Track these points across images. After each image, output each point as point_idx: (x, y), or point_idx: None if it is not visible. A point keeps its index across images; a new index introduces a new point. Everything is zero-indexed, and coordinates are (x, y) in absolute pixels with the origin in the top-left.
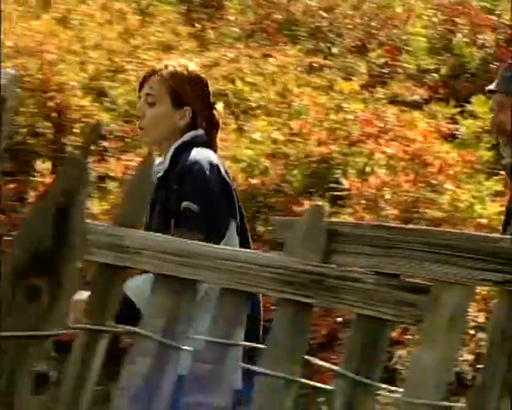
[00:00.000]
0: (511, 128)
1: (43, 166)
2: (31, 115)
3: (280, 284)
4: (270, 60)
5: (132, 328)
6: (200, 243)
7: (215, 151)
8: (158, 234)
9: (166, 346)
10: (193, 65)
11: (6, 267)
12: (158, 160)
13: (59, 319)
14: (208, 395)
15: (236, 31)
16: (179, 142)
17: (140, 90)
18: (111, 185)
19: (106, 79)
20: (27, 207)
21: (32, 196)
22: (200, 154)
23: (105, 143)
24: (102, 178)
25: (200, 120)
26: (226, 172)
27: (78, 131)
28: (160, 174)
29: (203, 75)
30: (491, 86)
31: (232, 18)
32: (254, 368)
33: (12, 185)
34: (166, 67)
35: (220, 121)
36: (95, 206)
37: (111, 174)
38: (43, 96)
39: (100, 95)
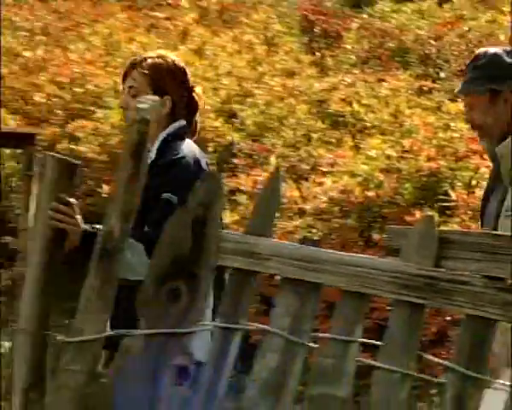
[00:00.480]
0: (483, 123)
1: None
2: None
3: (397, 287)
4: (384, 84)
5: (263, 326)
6: (326, 250)
7: (194, 135)
8: (287, 242)
9: (293, 343)
10: (171, 55)
11: (149, 272)
12: None
13: (196, 317)
14: (331, 387)
15: (353, 58)
16: (164, 134)
17: (123, 83)
18: (241, 198)
19: (236, 103)
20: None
21: None
22: (186, 148)
23: (235, 160)
24: (233, 191)
25: (180, 108)
26: (207, 163)
27: (211, 149)
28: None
29: (181, 64)
30: (457, 90)
31: (349, 47)
32: (373, 363)
33: None
34: (146, 59)
35: (200, 103)
36: (226, 217)
37: (241, 188)
38: None
39: (231, 117)
